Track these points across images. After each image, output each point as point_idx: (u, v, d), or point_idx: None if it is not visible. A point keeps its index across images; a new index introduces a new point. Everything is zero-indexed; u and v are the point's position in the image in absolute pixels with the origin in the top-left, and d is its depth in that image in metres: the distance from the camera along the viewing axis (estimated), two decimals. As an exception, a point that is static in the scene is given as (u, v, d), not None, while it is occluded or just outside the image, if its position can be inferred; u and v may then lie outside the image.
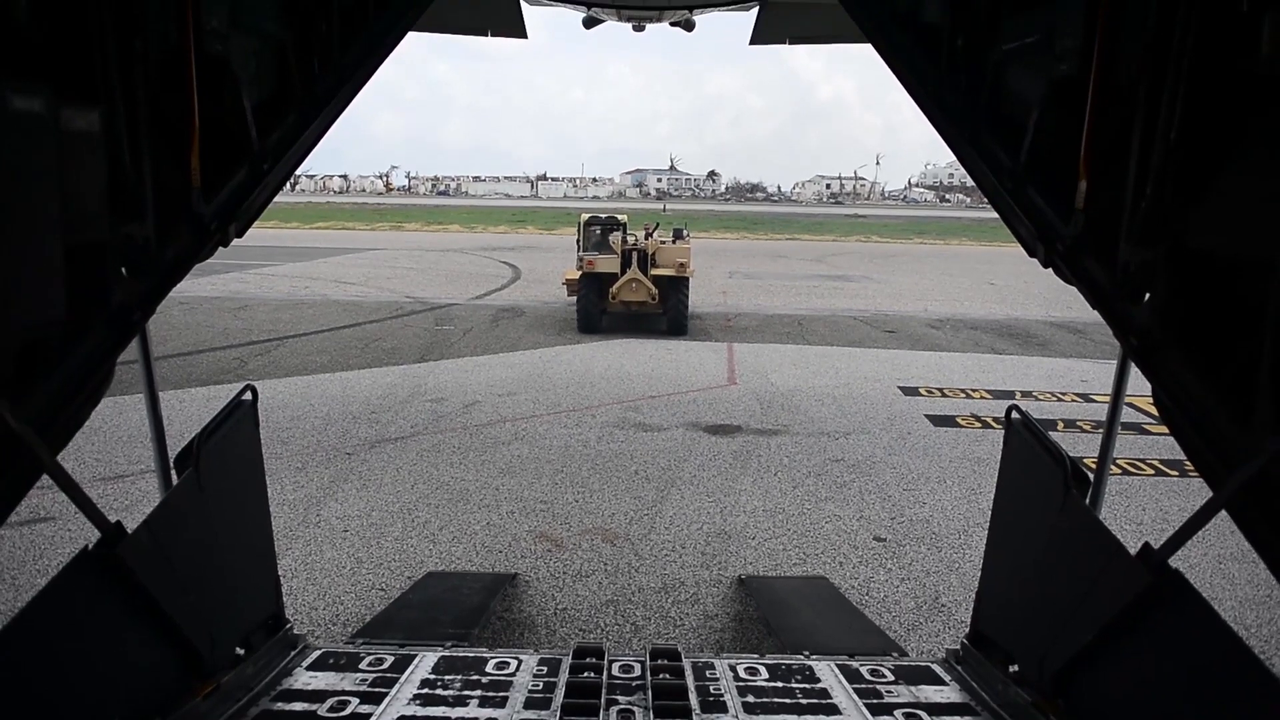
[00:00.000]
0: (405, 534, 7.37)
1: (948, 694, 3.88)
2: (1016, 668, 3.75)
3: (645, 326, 19.00)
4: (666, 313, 18.55)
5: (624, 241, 18.63)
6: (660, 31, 11.07)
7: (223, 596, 3.71)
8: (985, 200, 3.72)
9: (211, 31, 2.97)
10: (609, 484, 8.79)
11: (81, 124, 2.37)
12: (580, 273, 18.77)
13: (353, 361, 15.02)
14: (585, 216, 21.05)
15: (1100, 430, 4.13)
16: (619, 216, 20.86)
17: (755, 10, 10.33)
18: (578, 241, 20.54)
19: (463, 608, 5.55)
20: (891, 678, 3.99)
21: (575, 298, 19.03)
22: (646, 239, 19.15)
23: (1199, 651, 2.60)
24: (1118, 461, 9.40)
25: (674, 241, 19.73)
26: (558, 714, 3.50)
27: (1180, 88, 2.31)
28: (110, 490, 8.03)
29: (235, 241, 3.37)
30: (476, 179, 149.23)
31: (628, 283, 18.07)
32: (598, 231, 20.22)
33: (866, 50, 4.45)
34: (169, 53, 2.81)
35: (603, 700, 3.60)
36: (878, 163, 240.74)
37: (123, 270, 2.71)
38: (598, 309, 18.58)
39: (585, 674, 3.85)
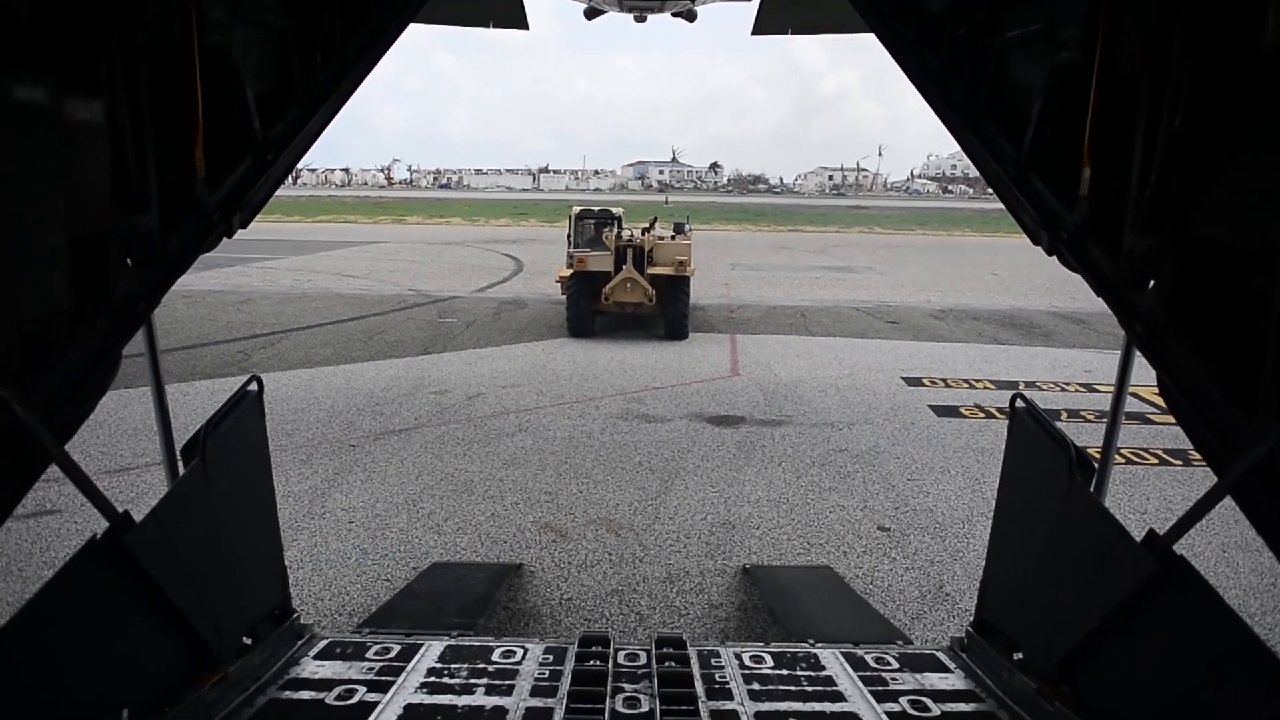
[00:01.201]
0: (410, 525, 7.40)
1: (952, 681, 3.89)
2: (1021, 655, 3.75)
3: (642, 329, 17.75)
4: (664, 315, 16.97)
5: (618, 237, 17.03)
6: (662, 23, 11.03)
7: (229, 586, 3.73)
8: (988, 190, 3.71)
9: (213, 23, 2.97)
10: (613, 475, 8.81)
11: (85, 116, 2.38)
12: (571, 271, 17.16)
13: (356, 354, 15.03)
14: (577, 209, 19.39)
15: (1104, 420, 4.12)
16: (614, 210, 19.30)
17: (757, 0, 10.27)
18: (568, 236, 19.10)
19: (468, 597, 5.57)
20: (896, 665, 4.00)
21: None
22: (645, 234, 17.56)
23: (1204, 637, 2.60)
24: (1121, 451, 9.39)
25: (674, 237, 18.33)
26: (564, 702, 3.52)
27: (1185, 75, 2.30)
28: (116, 483, 8.06)
29: (238, 235, 3.38)
30: (478, 172, 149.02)
31: (622, 283, 16.48)
32: (591, 226, 18.73)
33: (869, 40, 4.43)
34: (172, 45, 2.81)
35: (609, 688, 3.62)
36: (880, 154, 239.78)
37: (127, 261, 2.72)
38: (589, 311, 17.02)
39: (591, 662, 3.87)
